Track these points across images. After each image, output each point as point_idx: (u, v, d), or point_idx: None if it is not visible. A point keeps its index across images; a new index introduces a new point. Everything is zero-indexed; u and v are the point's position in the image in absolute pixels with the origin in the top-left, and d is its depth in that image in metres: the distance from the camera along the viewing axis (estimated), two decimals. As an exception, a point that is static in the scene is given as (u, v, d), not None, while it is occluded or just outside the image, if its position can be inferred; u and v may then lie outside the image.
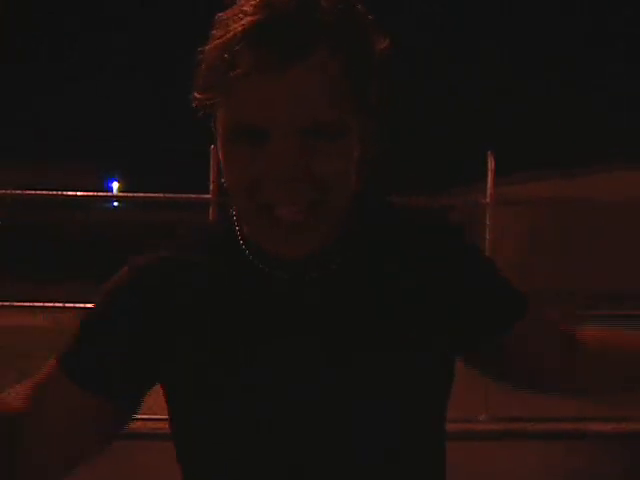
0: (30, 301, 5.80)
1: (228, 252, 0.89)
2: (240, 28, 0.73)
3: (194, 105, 0.81)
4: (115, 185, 32.64)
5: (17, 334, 8.33)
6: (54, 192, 5.70)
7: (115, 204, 24.02)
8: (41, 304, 5.81)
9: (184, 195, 5.74)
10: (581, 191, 7.71)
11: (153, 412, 5.56)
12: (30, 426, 0.85)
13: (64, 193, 5.64)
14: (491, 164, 5.62)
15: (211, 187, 5.46)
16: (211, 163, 5.50)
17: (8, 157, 25.25)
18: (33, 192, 5.68)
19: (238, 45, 0.73)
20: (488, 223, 5.65)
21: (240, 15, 0.74)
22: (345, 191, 0.81)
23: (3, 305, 5.83)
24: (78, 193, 5.65)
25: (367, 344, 0.85)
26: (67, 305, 5.75)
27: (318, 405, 0.83)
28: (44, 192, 5.74)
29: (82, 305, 5.78)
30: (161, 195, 5.72)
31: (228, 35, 0.74)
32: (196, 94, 0.80)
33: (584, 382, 1.07)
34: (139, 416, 5.48)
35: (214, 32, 0.78)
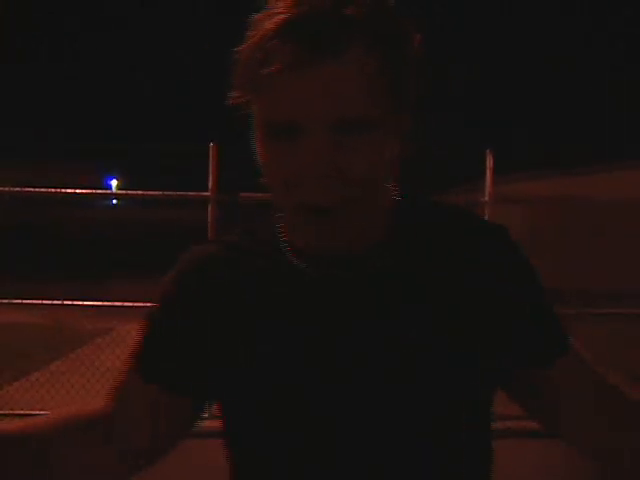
0: (28, 299, 5.78)
1: (270, 250, 0.91)
2: (273, 25, 0.74)
3: (230, 103, 0.82)
4: (114, 183, 32.65)
5: (15, 332, 8.33)
6: (53, 189, 5.69)
7: (114, 202, 24.01)
8: (39, 302, 5.79)
9: (183, 193, 5.73)
10: (580, 190, 7.71)
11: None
12: (112, 427, 0.92)
13: (63, 190, 5.63)
14: (490, 162, 5.61)
15: (210, 185, 5.45)
16: (210, 161, 5.50)
17: (7, 155, 25.22)
18: (32, 189, 5.67)
19: (271, 42, 0.74)
20: (487, 221, 5.64)
21: (273, 14, 0.75)
22: (376, 188, 0.82)
23: (1, 303, 5.81)
24: (77, 190, 5.64)
25: (390, 348, 0.86)
26: (65, 303, 5.73)
27: (347, 399, 0.86)
28: (43, 189, 5.72)
29: (80, 303, 5.78)
30: (160, 193, 5.71)
31: (261, 33, 0.75)
32: (232, 93, 0.81)
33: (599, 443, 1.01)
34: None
35: (249, 32, 0.78)
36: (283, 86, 0.75)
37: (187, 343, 0.92)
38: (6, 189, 5.59)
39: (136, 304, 5.79)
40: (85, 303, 5.82)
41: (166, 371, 0.93)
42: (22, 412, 5.48)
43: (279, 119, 0.77)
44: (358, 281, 0.87)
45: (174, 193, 5.74)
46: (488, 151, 5.65)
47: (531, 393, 0.96)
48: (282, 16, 0.73)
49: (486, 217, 5.64)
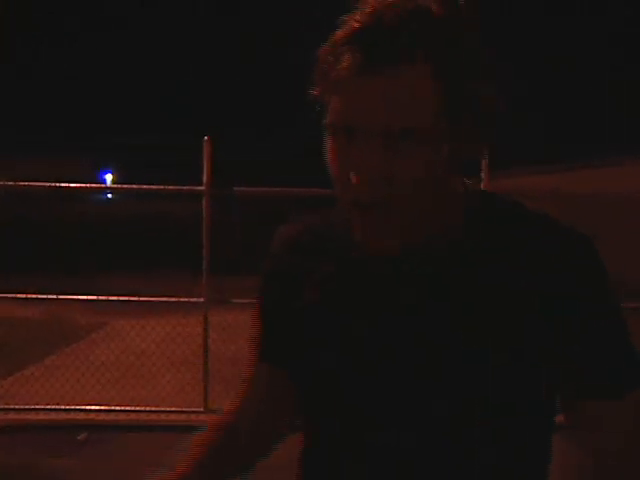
0: (23, 293, 5.78)
1: (337, 241, 0.97)
2: (344, 32, 0.80)
3: (312, 100, 0.87)
4: (109, 177, 32.57)
5: (10, 326, 8.32)
6: (48, 184, 5.69)
7: (109, 196, 23.96)
8: (34, 296, 5.79)
9: (177, 187, 5.74)
10: (580, 185, 7.73)
11: (146, 404, 5.56)
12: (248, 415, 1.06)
13: (58, 185, 5.62)
14: (486, 156, 5.62)
15: (204, 179, 5.46)
16: (204, 155, 5.50)
17: (1, 150, 25.15)
18: (27, 184, 5.66)
19: (341, 48, 0.79)
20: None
21: (351, 20, 0.80)
22: (424, 190, 0.83)
23: (-3, 297, 5.82)
24: (72, 184, 5.64)
25: (418, 345, 0.89)
26: (60, 297, 5.73)
27: (376, 391, 0.90)
28: (38, 184, 5.72)
29: (75, 297, 5.79)
30: (155, 187, 5.71)
31: (335, 38, 0.81)
32: (313, 88, 0.87)
33: None
34: (129, 408, 5.49)
35: (335, 32, 0.83)
36: (345, 90, 0.80)
37: (282, 323, 1.02)
38: (1, 183, 5.59)
39: (131, 298, 5.80)
40: (80, 297, 5.82)
41: (279, 351, 1.03)
42: (17, 407, 5.49)
43: (339, 120, 0.82)
44: (403, 277, 0.90)
45: (169, 187, 5.74)
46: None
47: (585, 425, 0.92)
48: (354, 24, 0.79)
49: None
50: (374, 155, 0.79)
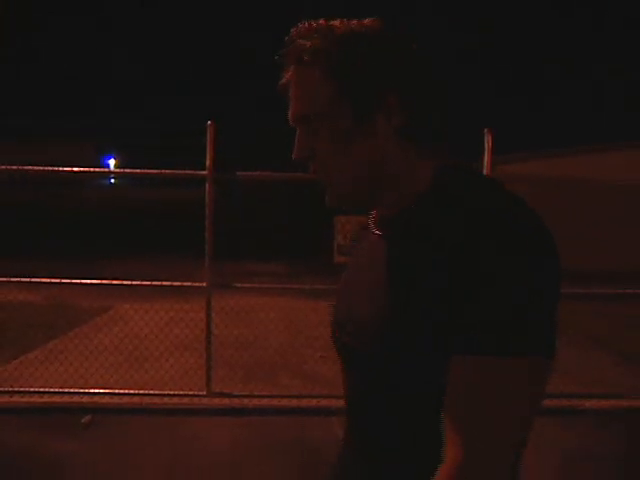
0: (27, 277, 5.79)
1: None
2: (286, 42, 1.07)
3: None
4: (112, 162, 32.55)
5: (14, 310, 8.36)
6: (51, 168, 5.68)
7: (112, 181, 23.96)
8: (38, 280, 5.80)
9: (181, 171, 5.72)
10: (579, 170, 7.70)
11: (150, 387, 5.59)
12: None
13: (61, 169, 5.62)
14: (488, 142, 5.60)
15: (207, 163, 5.45)
16: (207, 140, 5.49)
17: (4, 134, 25.11)
18: (30, 168, 5.66)
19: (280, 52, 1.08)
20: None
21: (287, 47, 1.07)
22: (344, 163, 1.07)
23: (1, 281, 5.83)
24: (75, 169, 5.63)
25: (385, 287, 1.06)
26: (64, 281, 5.75)
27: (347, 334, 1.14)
28: (41, 168, 5.71)
29: (78, 281, 5.80)
30: (158, 171, 5.69)
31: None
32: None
33: None
34: (132, 392, 5.52)
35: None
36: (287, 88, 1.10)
37: None
38: (4, 168, 5.58)
39: (134, 283, 5.81)
40: (83, 282, 5.82)
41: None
42: (21, 389, 5.53)
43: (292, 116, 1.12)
44: (380, 239, 1.14)
45: (172, 172, 5.73)
46: (487, 130, 5.63)
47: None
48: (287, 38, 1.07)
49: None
50: (299, 137, 1.08)
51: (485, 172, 5.64)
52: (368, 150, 1.06)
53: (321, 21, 1.05)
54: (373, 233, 1.16)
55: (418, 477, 0.99)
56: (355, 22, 1.05)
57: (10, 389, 5.54)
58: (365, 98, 1.04)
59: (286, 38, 1.06)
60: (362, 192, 1.10)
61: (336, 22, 1.05)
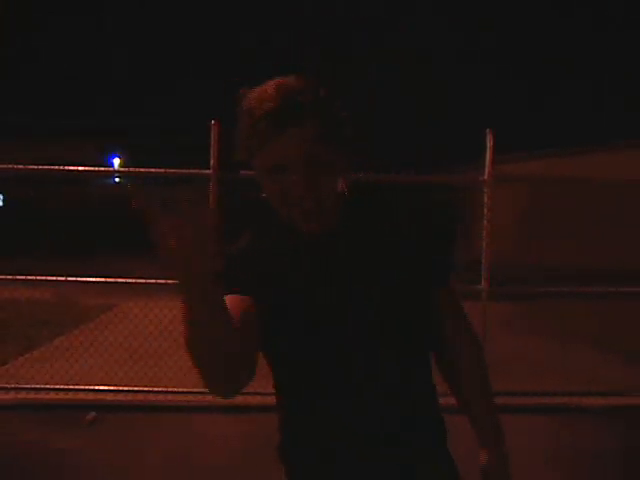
0: (32, 275, 5.85)
1: (277, 228, 1.46)
2: (257, 116, 1.29)
3: (239, 156, 1.39)
4: (116, 161, 32.60)
5: (20, 307, 8.43)
6: (56, 167, 5.73)
7: (117, 180, 24.00)
8: (43, 278, 5.86)
9: (185, 170, 5.76)
10: (579, 170, 7.73)
11: (154, 385, 5.62)
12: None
13: (66, 168, 5.67)
14: (490, 142, 5.63)
15: (212, 163, 5.50)
16: (212, 139, 5.54)
17: (10, 133, 25.18)
18: (35, 167, 5.71)
19: (259, 126, 1.28)
20: (486, 200, 5.68)
21: (259, 104, 1.29)
22: (330, 196, 1.37)
23: (6, 279, 5.88)
24: (80, 168, 5.68)
25: (363, 274, 1.41)
26: (69, 279, 5.80)
27: (338, 306, 1.40)
28: (46, 167, 5.76)
29: (83, 279, 5.85)
30: (162, 170, 5.73)
31: (254, 119, 1.29)
32: (238, 153, 1.39)
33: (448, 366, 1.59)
34: (137, 389, 5.56)
35: (243, 110, 1.32)
36: (271, 147, 1.30)
37: (249, 277, 1.40)
38: (10, 167, 5.64)
39: (139, 281, 5.86)
40: (88, 279, 5.88)
41: (244, 286, 1.38)
42: (27, 386, 5.59)
43: (273, 164, 1.31)
44: (327, 243, 1.42)
45: (176, 171, 5.76)
46: (488, 130, 5.67)
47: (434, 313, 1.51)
48: (260, 110, 1.28)
49: (485, 196, 5.70)
50: (300, 177, 1.30)
51: (487, 171, 5.68)
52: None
53: (272, 86, 1.31)
54: (311, 241, 1.42)
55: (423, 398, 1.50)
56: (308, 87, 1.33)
57: (16, 386, 5.61)
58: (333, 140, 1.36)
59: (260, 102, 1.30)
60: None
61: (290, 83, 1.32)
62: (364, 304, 1.39)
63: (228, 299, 1.27)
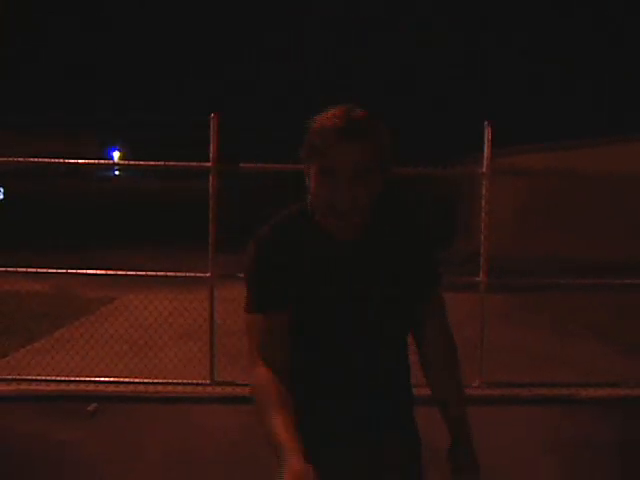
0: (34, 267, 5.87)
1: (308, 227, 1.67)
2: (330, 126, 1.56)
3: (301, 159, 1.64)
4: (116, 154, 32.60)
5: (21, 300, 8.46)
6: (56, 160, 5.75)
7: (116, 172, 24.01)
8: (44, 271, 5.89)
9: (185, 163, 5.78)
10: (578, 164, 7.74)
11: (154, 376, 5.65)
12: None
13: (66, 161, 5.69)
14: (488, 135, 5.65)
15: (211, 155, 5.52)
16: (211, 132, 5.55)
17: (10, 127, 25.17)
18: (36, 160, 5.74)
19: (329, 133, 1.56)
20: (485, 193, 5.70)
21: (330, 121, 1.57)
22: (366, 206, 1.61)
23: (7, 271, 5.91)
24: (80, 161, 5.70)
25: (375, 278, 1.70)
26: (69, 272, 5.83)
27: (353, 301, 1.69)
28: (46, 160, 5.78)
29: (83, 272, 5.88)
30: (162, 163, 5.75)
31: (324, 130, 1.57)
32: (303, 156, 1.63)
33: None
34: (137, 380, 5.59)
35: (313, 125, 1.60)
36: (332, 153, 1.56)
37: (278, 282, 1.64)
38: (10, 159, 5.66)
39: (139, 273, 5.89)
40: (89, 272, 5.91)
41: (278, 301, 1.64)
42: (28, 377, 5.62)
43: (329, 167, 1.56)
44: (353, 246, 1.68)
45: (176, 163, 5.79)
46: (487, 123, 5.69)
47: (419, 318, 1.82)
48: (336, 121, 1.56)
49: (484, 189, 5.72)
50: (347, 184, 1.55)
51: (485, 164, 5.70)
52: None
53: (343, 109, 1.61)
54: (334, 242, 1.66)
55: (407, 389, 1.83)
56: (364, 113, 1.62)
57: (17, 377, 5.64)
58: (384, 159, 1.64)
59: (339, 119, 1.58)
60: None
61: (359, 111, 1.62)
62: (370, 302, 1.69)
63: (274, 317, 1.63)
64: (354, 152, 1.55)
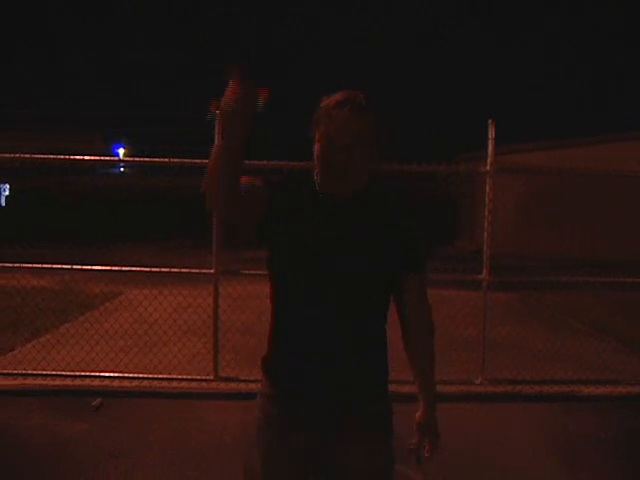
0: (40, 263, 5.91)
1: (311, 188, 1.94)
2: (334, 101, 1.85)
3: (310, 129, 1.90)
4: (121, 151, 32.66)
5: (27, 295, 8.49)
6: (61, 157, 5.78)
7: (122, 169, 24.07)
8: (50, 266, 5.92)
9: (189, 160, 5.81)
10: (581, 161, 7.75)
11: (158, 372, 5.69)
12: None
13: (71, 157, 5.72)
14: (492, 132, 5.66)
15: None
16: (216, 129, 5.57)
17: (16, 124, 25.25)
18: (41, 156, 5.77)
19: (334, 107, 1.84)
20: (488, 191, 5.72)
21: (337, 96, 1.86)
22: (362, 170, 1.88)
23: (14, 267, 5.96)
24: (85, 157, 5.74)
25: (362, 234, 1.90)
26: (75, 267, 5.87)
27: (335, 261, 1.87)
28: (52, 157, 5.81)
29: (89, 267, 5.92)
30: (166, 160, 5.78)
31: (331, 101, 1.86)
32: (312, 125, 1.89)
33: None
34: (142, 375, 5.63)
35: (322, 104, 1.88)
36: (336, 118, 1.83)
37: (274, 208, 1.90)
38: (16, 156, 5.70)
39: (144, 269, 5.92)
40: (94, 268, 5.94)
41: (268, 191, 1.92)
42: (34, 372, 5.67)
43: (332, 129, 1.82)
44: (345, 205, 1.91)
45: (180, 160, 5.80)
46: (490, 121, 5.70)
47: (400, 291, 1.97)
48: (341, 96, 1.86)
49: (487, 187, 5.73)
50: (354, 149, 1.82)
51: (489, 161, 5.72)
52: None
53: (353, 93, 1.88)
54: (329, 200, 1.90)
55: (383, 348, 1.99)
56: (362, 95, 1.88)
57: (23, 372, 5.69)
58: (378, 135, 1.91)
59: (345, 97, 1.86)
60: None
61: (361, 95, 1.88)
62: (350, 255, 1.87)
63: (249, 180, 1.88)
64: (352, 120, 1.81)
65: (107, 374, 5.67)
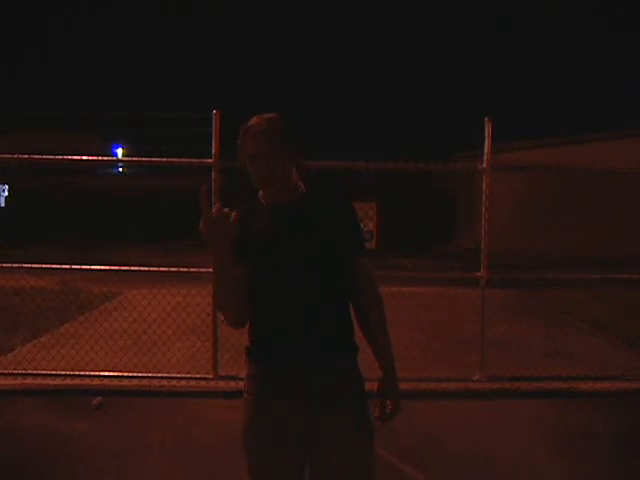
0: (39, 263, 5.92)
1: (257, 202, 2.24)
2: (244, 128, 2.19)
3: (239, 157, 2.22)
4: (120, 151, 32.61)
5: (28, 295, 8.52)
6: (60, 157, 5.79)
7: (120, 169, 24.06)
8: (49, 266, 5.93)
9: (187, 160, 5.82)
10: (577, 159, 7.76)
11: (158, 371, 5.70)
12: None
13: (70, 158, 5.73)
14: (488, 130, 5.68)
15: (213, 152, 5.56)
16: (213, 128, 5.59)
17: (14, 124, 25.22)
18: (39, 157, 5.77)
19: (244, 133, 2.19)
20: (485, 189, 5.73)
21: (253, 122, 2.19)
22: (282, 176, 2.16)
23: (13, 267, 5.96)
24: (84, 157, 5.75)
25: (306, 238, 2.16)
26: (74, 267, 5.88)
27: (291, 257, 2.15)
28: (50, 157, 5.82)
29: (88, 267, 5.93)
30: (165, 160, 5.79)
31: (242, 131, 2.20)
32: (239, 151, 2.21)
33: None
34: (141, 375, 5.63)
35: (243, 129, 2.19)
36: (252, 143, 2.15)
37: (240, 242, 2.07)
38: (14, 157, 5.70)
39: (143, 269, 5.93)
40: (94, 268, 5.95)
41: (241, 255, 2.12)
42: (34, 372, 5.69)
43: (250, 154, 2.14)
44: (285, 211, 2.18)
45: (178, 160, 5.82)
46: (487, 119, 5.71)
47: (350, 273, 2.24)
48: (253, 125, 2.17)
49: (484, 184, 5.75)
50: (264, 163, 2.12)
51: (485, 159, 5.73)
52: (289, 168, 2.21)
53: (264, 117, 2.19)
54: (275, 209, 2.19)
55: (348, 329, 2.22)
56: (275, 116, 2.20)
57: (23, 371, 5.71)
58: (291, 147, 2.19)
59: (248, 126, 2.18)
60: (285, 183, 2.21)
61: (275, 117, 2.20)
62: (303, 252, 2.13)
63: (238, 270, 2.10)
64: (258, 143, 2.13)
65: (107, 373, 5.68)
